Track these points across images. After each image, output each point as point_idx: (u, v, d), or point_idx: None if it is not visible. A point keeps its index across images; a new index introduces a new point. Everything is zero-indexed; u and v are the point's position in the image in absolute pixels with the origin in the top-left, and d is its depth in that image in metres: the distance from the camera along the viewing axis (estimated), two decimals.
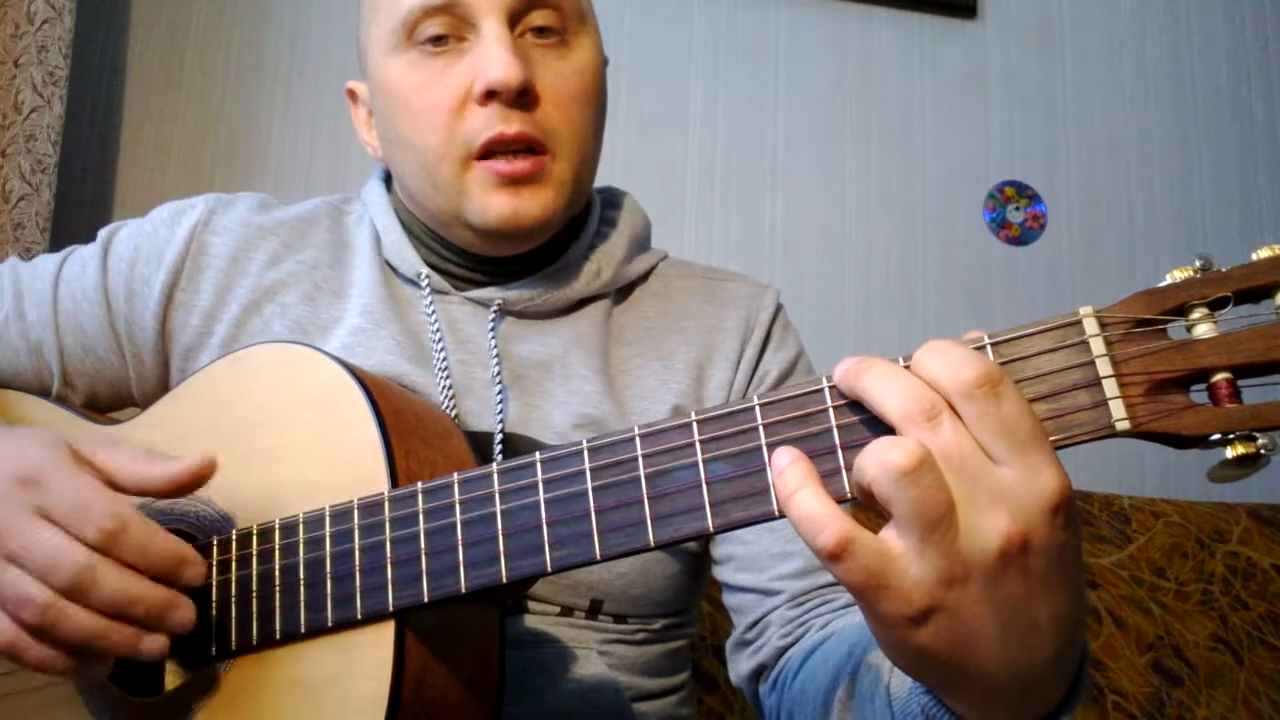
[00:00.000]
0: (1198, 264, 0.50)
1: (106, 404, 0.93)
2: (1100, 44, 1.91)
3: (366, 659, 0.60)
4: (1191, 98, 1.92)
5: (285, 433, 0.68)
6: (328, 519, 0.63)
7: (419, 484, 0.61)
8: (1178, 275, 0.50)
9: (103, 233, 0.93)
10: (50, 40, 1.42)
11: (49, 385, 0.91)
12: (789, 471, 0.49)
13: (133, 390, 0.92)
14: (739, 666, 0.87)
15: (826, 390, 0.52)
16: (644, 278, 0.98)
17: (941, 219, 1.81)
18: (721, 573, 0.89)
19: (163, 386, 0.90)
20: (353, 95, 0.96)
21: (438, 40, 0.82)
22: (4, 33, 1.40)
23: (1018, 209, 1.83)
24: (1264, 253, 0.49)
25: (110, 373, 0.91)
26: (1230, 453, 0.48)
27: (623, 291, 0.96)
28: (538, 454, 0.58)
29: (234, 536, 0.67)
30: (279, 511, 0.65)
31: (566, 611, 0.84)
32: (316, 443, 0.66)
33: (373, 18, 0.88)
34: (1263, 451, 0.47)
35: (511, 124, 0.81)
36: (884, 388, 0.48)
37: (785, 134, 1.79)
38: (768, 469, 0.52)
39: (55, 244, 1.40)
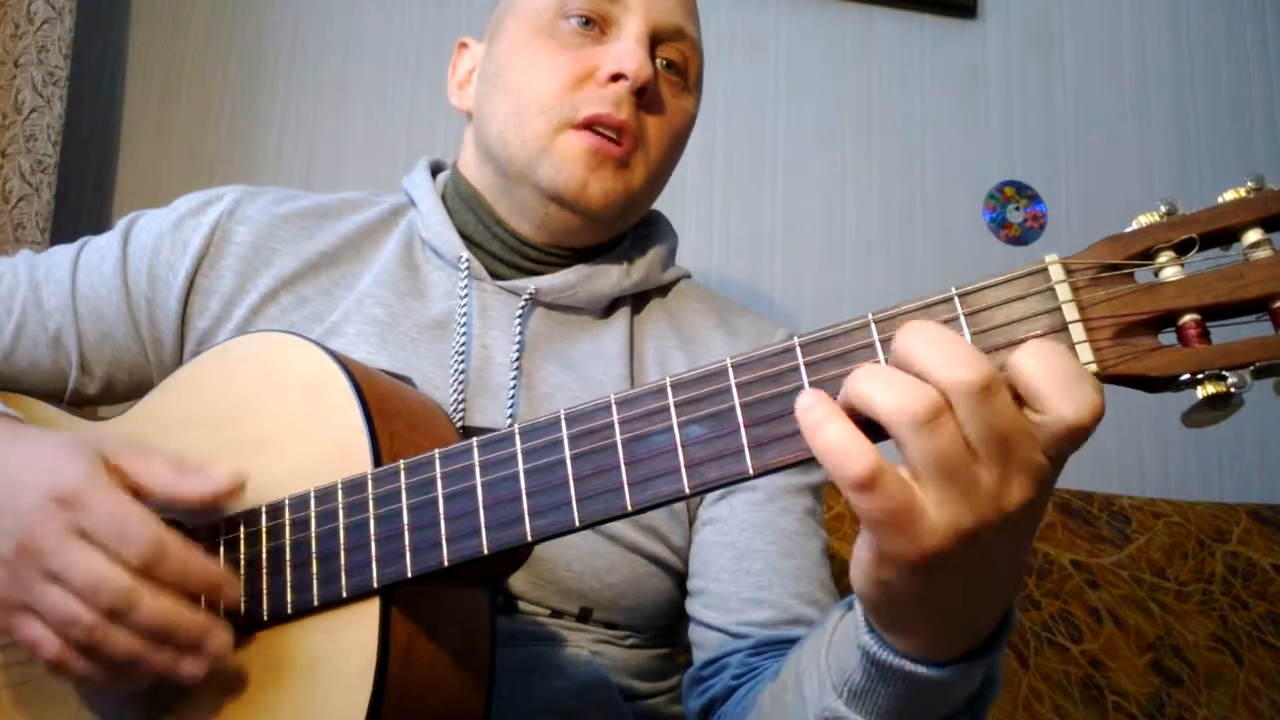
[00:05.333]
0: (1163, 209, 0.50)
1: (124, 391, 0.94)
2: (1100, 44, 1.91)
3: (352, 636, 0.61)
4: (1191, 98, 1.92)
5: (271, 419, 0.69)
6: (312, 500, 0.64)
7: (401, 461, 0.62)
8: (1143, 220, 0.50)
9: (122, 221, 0.95)
10: (50, 40, 1.42)
11: (66, 374, 0.91)
12: (815, 408, 0.49)
13: (153, 377, 0.92)
14: (690, 702, 0.86)
15: (798, 349, 0.52)
16: (662, 291, 0.99)
17: (941, 219, 1.81)
18: (691, 606, 0.89)
19: None
20: (464, 47, 1.00)
21: (586, 23, 0.88)
22: (4, 33, 1.40)
23: (1018, 209, 1.83)
24: (1229, 195, 0.49)
25: (128, 359, 0.92)
26: (1201, 393, 0.47)
27: (639, 301, 0.97)
28: (516, 426, 0.58)
29: (221, 522, 0.67)
30: (266, 497, 0.66)
31: (557, 614, 0.84)
32: (302, 428, 0.67)
33: None
34: (1233, 390, 0.47)
35: (622, 110, 0.86)
36: (876, 392, 0.47)
37: (785, 134, 1.79)
38: (741, 430, 0.52)
39: (55, 244, 1.40)
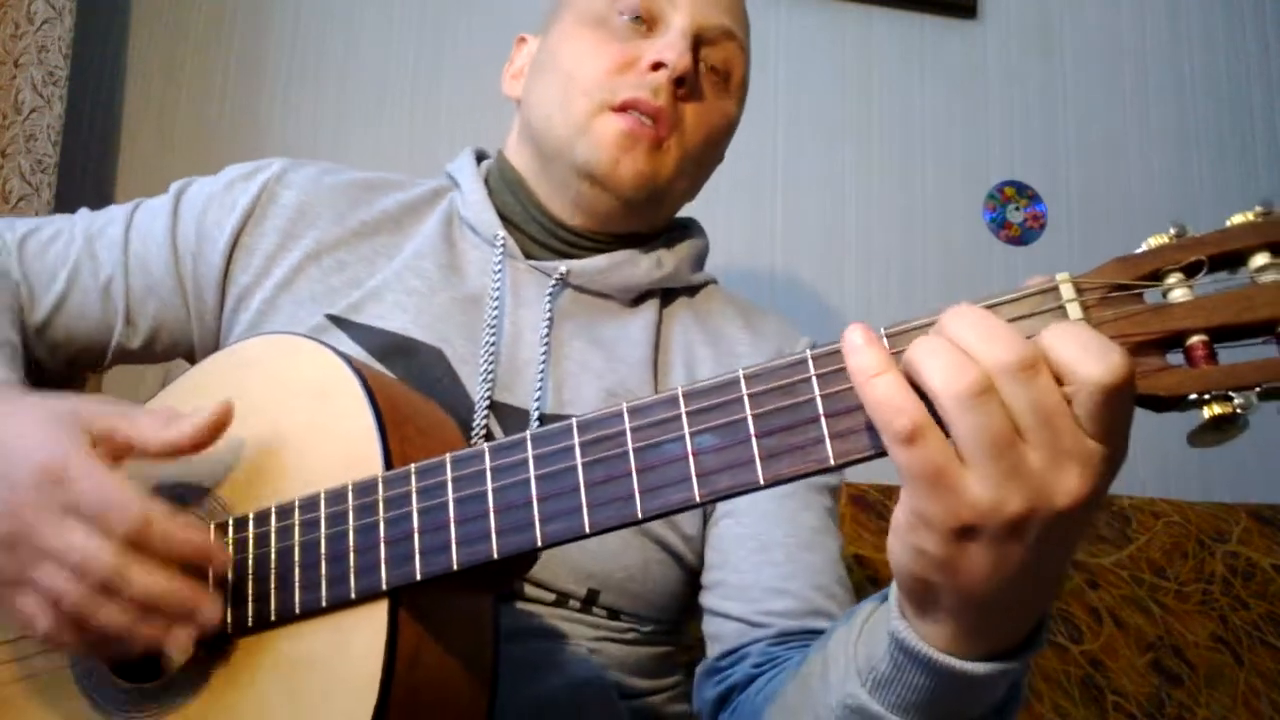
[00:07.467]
0: (1173, 231, 0.51)
1: (164, 350, 0.98)
2: (1100, 44, 1.91)
3: (360, 638, 0.61)
4: (1191, 98, 1.92)
5: (282, 420, 0.69)
6: (323, 501, 0.64)
7: (412, 465, 0.62)
8: (1153, 242, 0.51)
9: (174, 185, 1.00)
10: (50, 40, 1.42)
11: (113, 325, 0.95)
12: (866, 352, 0.50)
13: (193, 335, 0.96)
14: (704, 693, 0.87)
15: (810, 361, 0.53)
16: (690, 291, 1.02)
17: (941, 219, 1.81)
18: (707, 599, 0.90)
19: (218, 333, 0.95)
20: (522, 42, 1.06)
21: (636, 19, 0.94)
22: (4, 33, 1.40)
23: (1018, 209, 1.83)
24: (1238, 218, 0.50)
25: (171, 315, 0.96)
26: (1207, 413, 0.49)
27: (668, 297, 0.99)
28: (528, 433, 0.59)
29: (231, 522, 0.67)
30: (276, 498, 0.66)
31: (561, 601, 0.84)
32: (313, 430, 0.67)
33: None
34: (1239, 411, 0.48)
35: (660, 97, 0.91)
36: (927, 365, 0.48)
37: (785, 134, 1.79)
38: (753, 440, 0.53)
39: None
